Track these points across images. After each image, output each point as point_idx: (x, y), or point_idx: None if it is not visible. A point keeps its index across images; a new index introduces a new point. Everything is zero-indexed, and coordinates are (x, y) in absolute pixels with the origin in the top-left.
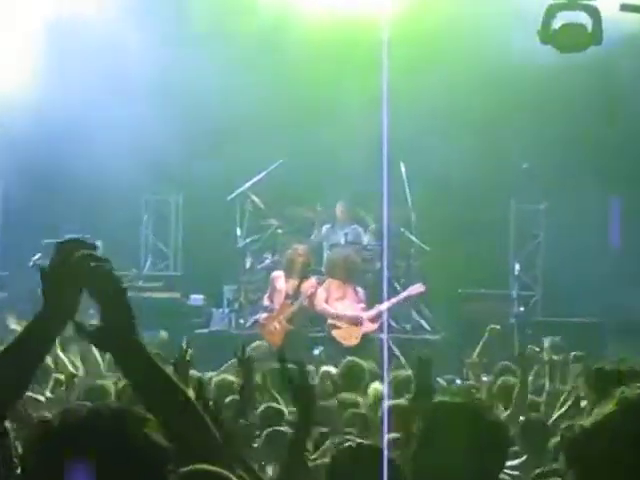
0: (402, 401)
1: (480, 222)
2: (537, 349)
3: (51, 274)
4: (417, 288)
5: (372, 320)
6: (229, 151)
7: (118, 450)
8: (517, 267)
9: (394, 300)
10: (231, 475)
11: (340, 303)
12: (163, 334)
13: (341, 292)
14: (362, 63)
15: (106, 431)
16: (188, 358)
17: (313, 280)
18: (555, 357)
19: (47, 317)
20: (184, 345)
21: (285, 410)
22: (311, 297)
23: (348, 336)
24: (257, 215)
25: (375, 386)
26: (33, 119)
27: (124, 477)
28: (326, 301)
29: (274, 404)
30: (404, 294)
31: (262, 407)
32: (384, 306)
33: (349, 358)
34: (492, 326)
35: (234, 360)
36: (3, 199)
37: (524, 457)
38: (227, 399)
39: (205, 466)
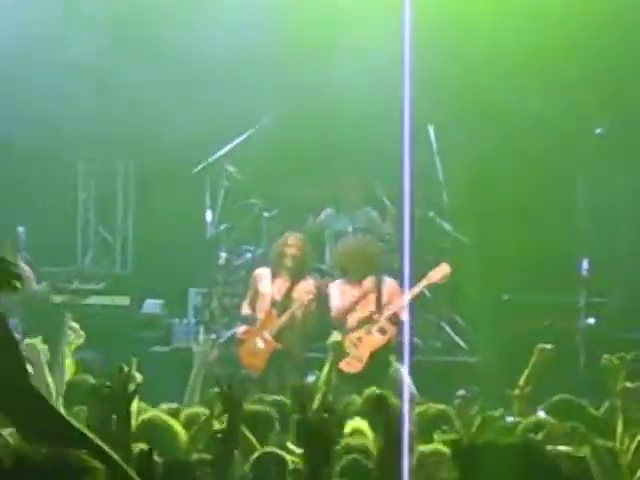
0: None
1: (535, 207)
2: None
3: None
4: (441, 270)
5: (383, 331)
6: (198, 105)
7: None
8: (585, 266)
9: (412, 292)
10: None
11: (353, 314)
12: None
13: (355, 297)
14: None
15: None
16: (133, 387)
17: (310, 282)
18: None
19: None
20: (125, 368)
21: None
22: (308, 306)
23: (349, 359)
24: (235, 193)
25: None
26: None
27: None
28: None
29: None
30: (423, 282)
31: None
32: (398, 307)
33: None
34: (542, 346)
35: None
36: None
37: None
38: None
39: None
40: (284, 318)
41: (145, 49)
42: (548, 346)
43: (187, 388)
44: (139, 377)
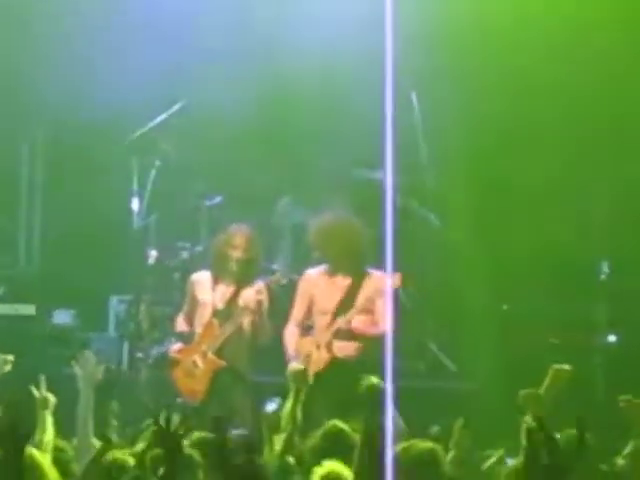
0: None
1: (545, 197)
2: None
3: None
4: (383, 279)
5: (328, 346)
6: (127, 69)
7: None
8: (606, 270)
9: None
10: None
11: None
12: None
13: (338, 293)
14: None
15: None
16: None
17: (261, 285)
18: None
19: None
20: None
21: None
22: (258, 311)
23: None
24: (169, 175)
25: None
26: None
27: None
28: (307, 313)
29: None
30: (364, 293)
31: None
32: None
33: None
34: (557, 366)
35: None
36: None
37: None
38: None
39: None
40: (228, 329)
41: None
42: (565, 367)
43: (77, 420)
44: (52, 398)
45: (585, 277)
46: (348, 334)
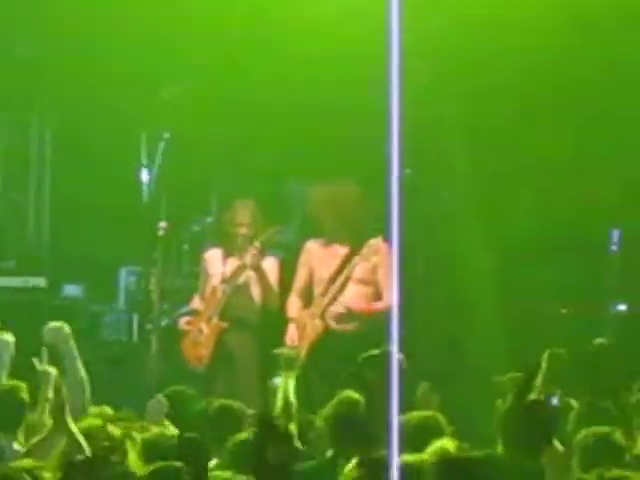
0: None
1: (558, 168)
2: None
3: None
4: (386, 250)
5: (322, 315)
6: (137, 47)
7: None
8: (615, 241)
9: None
10: None
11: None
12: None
13: (334, 262)
14: None
15: None
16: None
17: (256, 243)
18: None
19: None
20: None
21: None
22: (259, 272)
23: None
24: (179, 148)
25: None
26: None
27: None
28: (308, 283)
29: None
30: (363, 263)
31: None
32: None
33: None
34: (552, 351)
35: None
36: None
37: None
38: None
39: None
40: (228, 289)
41: None
42: (560, 351)
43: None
44: (53, 371)
45: (594, 248)
46: (347, 314)
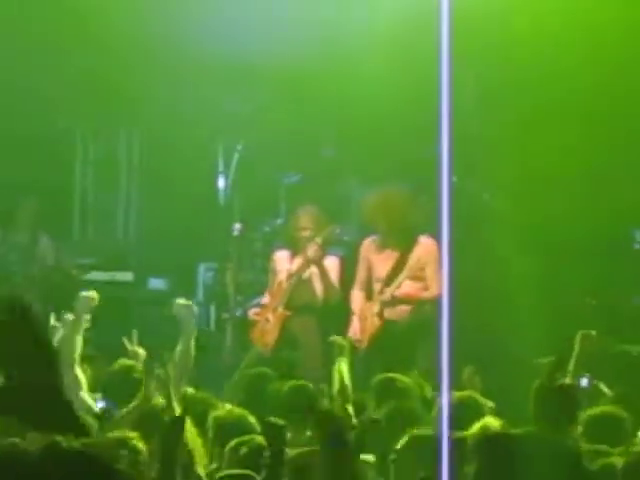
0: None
1: (583, 164)
2: None
3: None
4: (434, 246)
5: (380, 314)
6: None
7: None
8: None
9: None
10: None
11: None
12: None
13: (389, 263)
14: None
15: None
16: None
17: (318, 239)
18: None
19: None
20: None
21: None
22: (320, 266)
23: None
24: (252, 155)
25: None
26: None
27: None
28: (368, 277)
29: None
30: (413, 260)
31: None
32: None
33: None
34: (584, 332)
35: None
36: None
37: None
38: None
39: None
40: (293, 281)
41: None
42: (592, 332)
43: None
44: (141, 351)
45: (619, 245)
46: (399, 300)
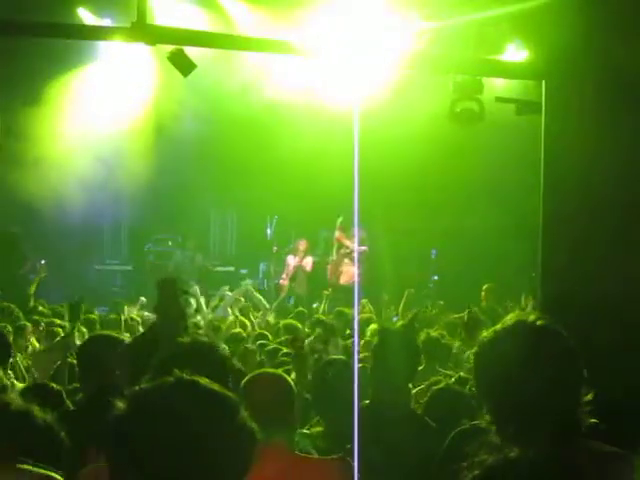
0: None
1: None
2: None
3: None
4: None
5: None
6: None
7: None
8: None
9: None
10: None
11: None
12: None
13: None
14: None
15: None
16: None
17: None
18: None
19: None
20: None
21: None
22: (301, 254)
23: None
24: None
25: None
26: None
27: None
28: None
29: None
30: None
31: None
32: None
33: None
34: (410, 290)
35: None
36: None
37: None
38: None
39: None
40: (294, 268)
41: None
42: (412, 290)
43: None
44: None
45: None
46: None
